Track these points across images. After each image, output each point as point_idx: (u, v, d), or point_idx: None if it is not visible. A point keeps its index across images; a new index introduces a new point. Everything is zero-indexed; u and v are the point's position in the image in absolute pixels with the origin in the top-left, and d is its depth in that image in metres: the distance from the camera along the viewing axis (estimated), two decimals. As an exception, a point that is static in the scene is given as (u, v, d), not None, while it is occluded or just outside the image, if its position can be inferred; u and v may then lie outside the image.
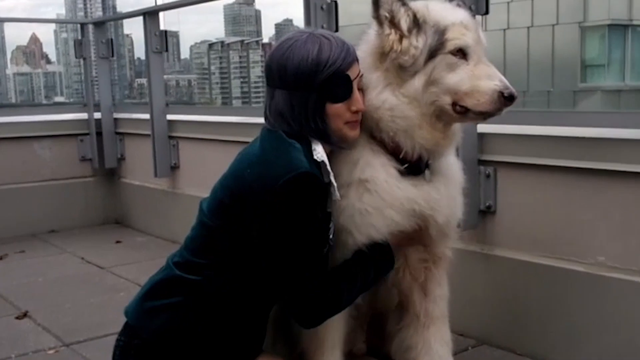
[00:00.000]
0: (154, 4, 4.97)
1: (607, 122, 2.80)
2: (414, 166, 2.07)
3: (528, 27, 21.30)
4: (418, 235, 2.16)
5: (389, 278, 2.25)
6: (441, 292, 2.35)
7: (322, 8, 3.59)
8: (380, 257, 2.09)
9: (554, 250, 2.82)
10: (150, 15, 4.91)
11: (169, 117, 4.99)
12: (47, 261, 4.76)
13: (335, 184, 1.97)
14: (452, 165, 2.26)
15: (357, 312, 2.33)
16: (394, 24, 1.97)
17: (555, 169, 2.79)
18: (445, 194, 2.14)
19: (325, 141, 1.97)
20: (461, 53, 1.95)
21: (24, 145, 5.48)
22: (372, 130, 2.05)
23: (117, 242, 5.21)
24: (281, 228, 1.89)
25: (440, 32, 1.95)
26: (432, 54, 1.95)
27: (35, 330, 3.42)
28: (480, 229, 3.08)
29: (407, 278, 2.27)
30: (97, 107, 5.67)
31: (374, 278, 2.11)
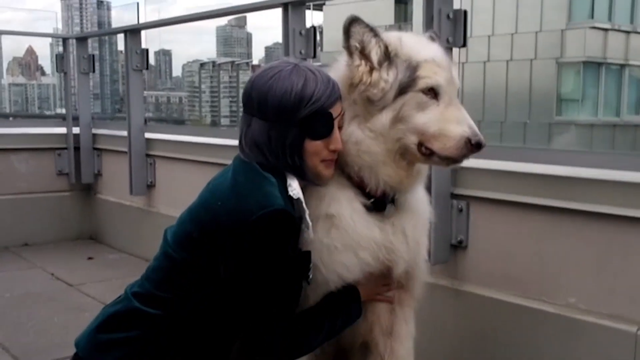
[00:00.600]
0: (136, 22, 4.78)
1: (581, 161, 2.66)
2: (379, 201, 1.92)
3: (507, 61, 21.46)
4: (386, 277, 2.01)
5: None
6: (407, 330, 2.17)
7: (300, 33, 3.48)
8: (350, 302, 1.94)
9: (525, 288, 2.68)
10: (131, 32, 4.76)
11: (147, 135, 4.82)
12: (16, 276, 4.56)
13: (310, 222, 1.83)
14: (418, 201, 2.08)
15: (319, 351, 2.15)
16: (364, 55, 1.83)
17: (529, 206, 2.65)
18: (409, 235, 1.98)
19: (300, 177, 1.84)
20: (432, 92, 1.80)
21: (2, 157, 5.28)
22: (339, 164, 1.89)
23: (89, 258, 5.01)
24: (250, 265, 1.74)
25: (412, 68, 1.80)
26: (403, 90, 1.80)
27: (-5, 350, 3.22)
28: (451, 264, 2.93)
29: (370, 317, 2.10)
30: (77, 122, 5.48)
31: (342, 326, 1.95)
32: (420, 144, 1.82)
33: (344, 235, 1.88)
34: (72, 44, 5.56)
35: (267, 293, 1.75)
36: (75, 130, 5.49)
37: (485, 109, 19.50)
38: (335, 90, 1.81)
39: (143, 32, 4.88)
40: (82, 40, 5.46)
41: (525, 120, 20.53)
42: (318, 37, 3.49)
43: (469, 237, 2.87)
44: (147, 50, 4.79)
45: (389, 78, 1.79)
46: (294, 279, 1.81)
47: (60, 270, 4.60)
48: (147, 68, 4.83)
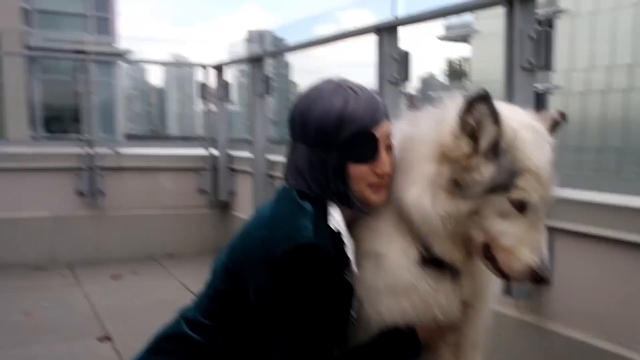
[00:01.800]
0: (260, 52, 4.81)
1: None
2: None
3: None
4: (443, 330, 1.72)
5: None
6: None
7: (393, 58, 3.26)
8: (403, 344, 1.66)
9: (613, 332, 2.30)
10: (255, 61, 4.80)
11: (270, 157, 4.81)
12: (151, 283, 4.71)
13: (352, 257, 1.60)
14: None
15: None
16: (474, 136, 1.50)
17: (620, 242, 2.28)
18: (466, 295, 1.69)
19: (347, 205, 1.60)
20: (521, 205, 1.50)
21: (150, 175, 5.54)
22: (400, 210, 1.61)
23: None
24: (278, 301, 1.54)
25: (513, 174, 1.49)
26: (493, 189, 1.49)
27: (109, 355, 3.30)
28: (536, 299, 2.59)
29: None
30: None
31: None
32: (486, 246, 1.54)
33: (388, 277, 1.62)
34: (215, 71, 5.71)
35: (298, 330, 1.54)
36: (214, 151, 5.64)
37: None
38: (379, 109, 1.58)
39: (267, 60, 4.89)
40: (217, 68, 5.60)
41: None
42: (410, 62, 3.26)
43: (554, 272, 2.51)
44: (268, 76, 4.81)
45: (485, 173, 1.49)
46: (329, 316, 1.57)
47: (192, 281, 4.60)
48: (268, 93, 4.83)
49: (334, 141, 1.54)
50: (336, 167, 1.55)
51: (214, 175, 5.62)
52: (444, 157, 1.52)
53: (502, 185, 1.48)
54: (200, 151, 5.78)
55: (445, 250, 1.57)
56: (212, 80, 5.68)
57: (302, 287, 1.51)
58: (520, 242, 1.50)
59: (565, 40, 24.95)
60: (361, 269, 1.64)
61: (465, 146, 1.49)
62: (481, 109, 1.47)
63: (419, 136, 1.60)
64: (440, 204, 1.51)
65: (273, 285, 1.52)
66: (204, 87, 5.80)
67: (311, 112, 1.56)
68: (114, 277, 4.82)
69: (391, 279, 1.62)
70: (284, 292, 1.51)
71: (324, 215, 1.57)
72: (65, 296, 4.33)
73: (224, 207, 5.69)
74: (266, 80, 4.79)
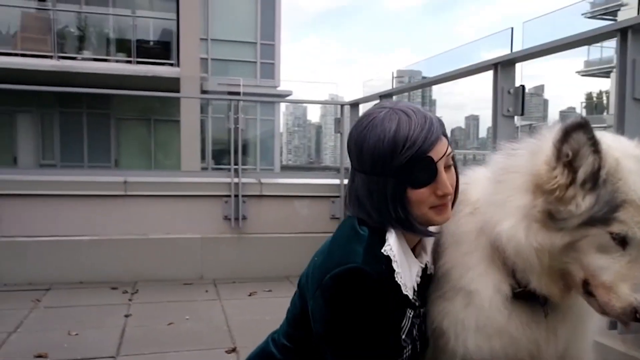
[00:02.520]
0: (390, 88, 4.87)
1: None
2: (530, 293, 1.51)
3: None
4: None
5: None
6: None
7: (509, 92, 3.20)
8: None
9: None
10: (384, 98, 4.87)
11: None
12: (283, 302, 4.83)
13: (403, 281, 1.51)
14: None
15: None
16: (571, 166, 1.38)
17: None
18: (561, 335, 1.56)
19: (410, 230, 1.52)
20: (622, 241, 1.37)
21: (287, 202, 5.75)
22: (492, 244, 1.51)
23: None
24: (327, 325, 1.50)
25: (614, 206, 1.36)
26: (592, 222, 1.37)
27: (232, 366, 3.45)
28: (642, 334, 2.37)
29: None
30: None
31: None
32: (585, 282, 1.42)
33: (479, 315, 1.53)
34: (347, 109, 5.87)
35: (347, 354, 1.48)
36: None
37: None
38: (433, 129, 1.47)
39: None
40: (354, 105, 5.73)
41: None
42: (524, 96, 3.17)
43: (663, 306, 2.29)
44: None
45: (582, 204, 1.37)
46: (378, 340, 1.49)
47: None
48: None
49: (390, 168, 1.46)
50: (395, 194, 1.48)
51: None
52: (538, 188, 1.41)
53: (601, 218, 1.35)
54: (333, 181, 5.93)
55: (541, 285, 1.46)
56: (347, 116, 5.84)
57: (350, 310, 1.45)
58: (622, 278, 1.37)
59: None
60: (451, 302, 1.58)
61: (560, 176, 1.38)
62: (579, 137, 1.35)
63: (514, 167, 1.50)
64: (534, 237, 1.40)
65: (323, 308, 1.49)
66: (337, 122, 5.96)
67: (365, 140, 1.49)
68: (251, 294, 5.04)
69: (482, 317, 1.54)
70: (332, 315, 1.47)
71: (379, 241, 1.51)
72: (205, 310, 4.58)
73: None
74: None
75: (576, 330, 1.59)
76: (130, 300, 4.76)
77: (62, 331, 3.90)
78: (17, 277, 5.12)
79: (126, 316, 4.31)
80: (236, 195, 5.60)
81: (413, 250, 1.60)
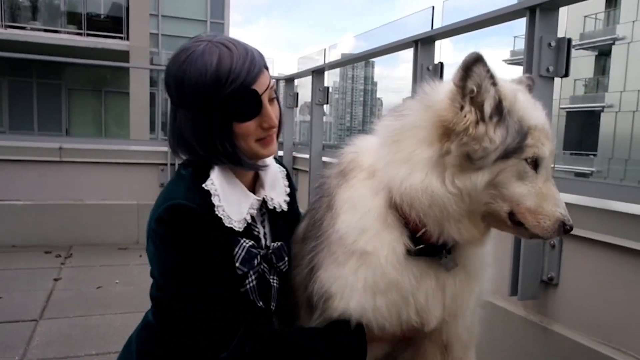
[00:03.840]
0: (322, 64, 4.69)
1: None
2: (430, 248, 1.42)
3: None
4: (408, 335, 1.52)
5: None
6: None
7: (428, 69, 3.08)
8: (348, 341, 1.44)
9: (615, 339, 2.02)
10: (316, 73, 4.69)
11: (324, 158, 4.68)
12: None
13: (226, 213, 1.40)
14: (478, 254, 1.53)
15: None
16: (475, 102, 1.29)
17: (628, 250, 1.99)
18: (449, 292, 1.47)
19: (238, 164, 1.41)
20: (534, 163, 1.33)
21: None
22: (396, 200, 1.39)
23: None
24: (160, 266, 1.38)
25: (523, 134, 1.31)
26: (507, 154, 1.30)
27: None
28: (541, 300, 2.32)
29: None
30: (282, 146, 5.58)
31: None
32: (511, 214, 1.35)
33: (369, 275, 1.42)
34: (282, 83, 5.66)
35: (184, 290, 1.35)
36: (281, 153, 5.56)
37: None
38: (256, 62, 1.37)
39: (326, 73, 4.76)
40: (289, 81, 5.54)
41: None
42: (443, 73, 3.04)
43: (561, 275, 2.25)
44: (328, 87, 4.69)
45: (495, 137, 1.29)
46: (212, 276, 1.37)
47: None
48: (327, 103, 4.71)
49: (215, 102, 1.33)
50: (221, 128, 1.36)
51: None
52: (447, 133, 1.31)
53: (514, 148, 1.30)
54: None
55: (460, 231, 1.35)
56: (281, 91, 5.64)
57: (179, 245, 1.33)
58: (544, 199, 1.34)
59: (620, 65, 25.69)
60: (341, 267, 1.43)
61: (469, 114, 1.28)
62: (479, 70, 1.27)
63: (410, 124, 1.38)
64: (450, 183, 1.31)
65: (154, 251, 1.37)
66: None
67: (186, 75, 1.34)
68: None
69: (374, 276, 1.41)
70: (164, 254, 1.35)
71: (202, 178, 1.40)
72: (137, 274, 4.36)
73: (287, 202, 5.61)
74: (325, 90, 4.68)
75: (464, 287, 1.49)
76: (62, 264, 4.50)
77: (-14, 294, 3.63)
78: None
79: (56, 280, 4.06)
80: (172, 164, 5.35)
81: (252, 187, 1.51)
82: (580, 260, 2.17)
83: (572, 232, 2.15)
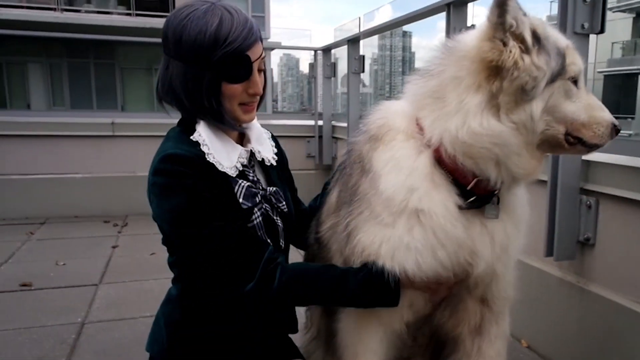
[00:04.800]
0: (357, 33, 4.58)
1: None
2: (480, 199, 1.40)
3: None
4: (453, 285, 1.50)
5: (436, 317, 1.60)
6: (497, 330, 1.61)
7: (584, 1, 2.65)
8: (382, 288, 1.42)
9: (651, 297, 1.93)
10: (352, 42, 4.59)
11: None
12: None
13: (216, 159, 1.43)
14: (520, 200, 1.51)
15: (411, 341, 1.69)
16: (516, 35, 1.26)
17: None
18: (497, 240, 1.44)
19: (219, 121, 1.45)
20: (575, 80, 1.34)
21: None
22: (450, 152, 1.35)
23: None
24: (166, 214, 1.39)
25: (562, 55, 1.30)
26: (553, 78, 1.29)
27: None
28: (578, 261, 2.24)
29: (458, 314, 1.59)
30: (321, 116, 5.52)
31: (356, 302, 1.47)
32: (567, 134, 1.34)
33: (428, 234, 1.38)
34: (320, 54, 5.56)
35: (194, 236, 1.37)
36: (321, 122, 5.52)
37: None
38: (253, 31, 1.40)
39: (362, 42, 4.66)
40: (326, 51, 5.44)
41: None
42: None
43: (597, 235, 2.16)
44: (363, 56, 4.59)
45: (542, 64, 1.27)
46: (221, 211, 1.40)
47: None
48: (363, 71, 4.62)
49: (209, 60, 1.36)
50: (210, 85, 1.39)
51: (319, 142, 5.52)
52: (492, 74, 1.29)
53: (559, 71, 1.30)
54: (308, 122, 5.71)
55: (521, 164, 1.33)
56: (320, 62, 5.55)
57: (178, 189, 1.36)
58: (592, 109, 1.36)
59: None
60: (390, 227, 1.39)
61: (514, 48, 1.26)
62: (513, 4, 1.26)
63: (450, 76, 1.35)
64: (508, 119, 1.29)
65: (158, 204, 1.39)
66: (311, 67, 5.69)
67: (186, 30, 1.36)
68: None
69: (431, 234, 1.37)
70: (167, 203, 1.38)
71: (189, 132, 1.44)
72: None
73: (328, 169, 5.59)
74: (360, 59, 4.58)
75: (511, 236, 1.47)
76: (119, 232, 4.61)
77: (50, 262, 3.75)
78: (14, 212, 4.95)
79: (113, 247, 4.16)
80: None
81: (239, 142, 1.54)
82: (617, 220, 2.08)
83: (609, 192, 2.09)
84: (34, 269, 3.59)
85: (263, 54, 1.45)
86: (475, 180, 1.37)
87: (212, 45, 1.35)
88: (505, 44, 1.26)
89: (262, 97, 1.51)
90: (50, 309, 2.97)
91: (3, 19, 14.40)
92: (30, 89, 18.10)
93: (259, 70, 1.45)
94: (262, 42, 1.45)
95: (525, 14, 1.27)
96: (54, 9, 16.06)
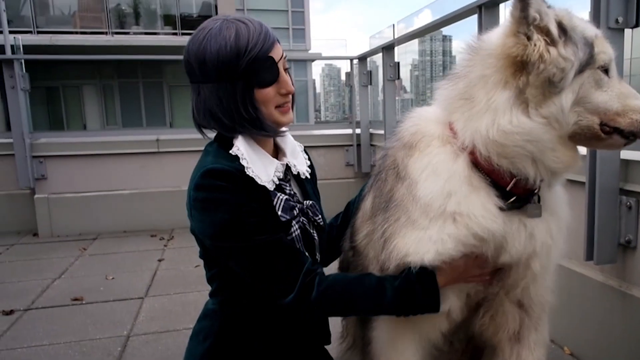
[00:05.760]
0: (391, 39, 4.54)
1: None
2: (521, 199, 1.36)
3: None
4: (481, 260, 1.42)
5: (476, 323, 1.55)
6: (537, 337, 1.55)
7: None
8: (424, 290, 1.39)
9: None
10: (386, 49, 4.55)
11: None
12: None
13: (255, 173, 1.42)
14: (561, 199, 1.47)
15: (447, 347, 1.64)
16: (540, 28, 1.24)
17: None
18: (538, 238, 1.39)
19: (261, 128, 1.44)
20: (605, 69, 1.29)
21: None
22: (483, 153, 1.32)
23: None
24: (210, 228, 1.39)
25: (589, 44, 1.27)
26: (582, 69, 1.26)
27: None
28: (619, 264, 2.13)
29: (496, 320, 1.54)
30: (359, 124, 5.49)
31: (402, 310, 1.42)
32: (602, 124, 1.29)
33: (461, 232, 1.34)
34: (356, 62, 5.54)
35: (241, 248, 1.37)
36: (358, 131, 5.48)
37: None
38: (269, 33, 1.42)
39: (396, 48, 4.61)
40: (362, 59, 5.41)
41: None
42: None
43: (639, 237, 2.04)
44: (398, 62, 4.54)
45: (569, 55, 1.24)
46: (263, 223, 1.39)
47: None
48: (398, 78, 4.57)
49: (236, 71, 1.37)
50: (244, 95, 1.40)
51: (358, 151, 5.49)
52: (519, 69, 1.26)
53: (587, 60, 1.26)
54: (346, 131, 5.68)
55: (557, 158, 1.30)
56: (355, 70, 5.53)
57: (221, 203, 1.35)
58: (625, 97, 1.30)
59: None
60: (423, 230, 1.36)
61: (539, 41, 1.23)
62: None
63: (477, 76, 1.33)
64: (537, 113, 1.26)
65: (200, 220, 1.40)
66: (347, 76, 5.67)
67: (207, 50, 1.37)
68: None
69: (466, 230, 1.34)
70: (210, 218, 1.37)
71: (227, 147, 1.44)
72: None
73: (367, 177, 5.53)
74: (395, 65, 4.54)
75: (553, 236, 1.42)
76: (165, 246, 4.70)
77: (100, 276, 3.86)
78: (68, 229, 5.12)
79: (159, 260, 4.25)
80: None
81: (274, 156, 1.54)
82: (660, 222, 1.97)
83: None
84: (85, 284, 3.69)
85: (284, 54, 1.46)
86: (514, 180, 1.33)
87: (235, 56, 1.36)
88: (529, 38, 1.23)
89: (293, 97, 1.51)
90: (99, 322, 3.04)
91: (59, 44, 15.04)
92: (86, 110, 18.80)
93: (285, 70, 1.47)
94: (279, 43, 1.46)
95: (549, 6, 1.23)
96: (105, 33, 16.64)
